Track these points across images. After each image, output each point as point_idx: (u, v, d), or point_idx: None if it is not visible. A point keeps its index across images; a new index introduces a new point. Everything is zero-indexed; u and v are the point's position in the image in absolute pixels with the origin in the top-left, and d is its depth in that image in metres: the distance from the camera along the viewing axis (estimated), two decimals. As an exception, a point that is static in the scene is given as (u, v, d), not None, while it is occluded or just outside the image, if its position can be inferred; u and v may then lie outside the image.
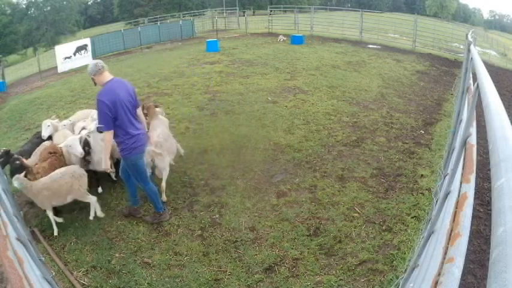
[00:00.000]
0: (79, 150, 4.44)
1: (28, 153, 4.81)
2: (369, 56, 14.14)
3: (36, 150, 4.79)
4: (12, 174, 4.21)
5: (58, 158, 4.58)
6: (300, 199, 4.74)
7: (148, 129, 5.15)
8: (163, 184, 4.76)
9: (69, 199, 4.26)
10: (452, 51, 16.55)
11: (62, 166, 4.45)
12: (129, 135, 3.77)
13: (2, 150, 4.44)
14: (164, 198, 4.73)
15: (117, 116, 3.63)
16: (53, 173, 4.21)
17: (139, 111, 4.01)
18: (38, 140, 5.19)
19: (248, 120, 7.44)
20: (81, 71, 15.62)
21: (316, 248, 3.86)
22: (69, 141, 4.48)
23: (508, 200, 0.70)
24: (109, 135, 3.70)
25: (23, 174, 4.00)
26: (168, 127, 5.46)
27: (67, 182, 4.14)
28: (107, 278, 3.58)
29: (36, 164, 4.43)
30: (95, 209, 4.44)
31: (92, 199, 4.40)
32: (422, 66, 12.99)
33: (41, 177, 4.18)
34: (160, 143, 4.69)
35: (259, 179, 5.29)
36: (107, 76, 3.72)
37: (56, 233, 4.23)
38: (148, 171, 4.69)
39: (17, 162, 4.27)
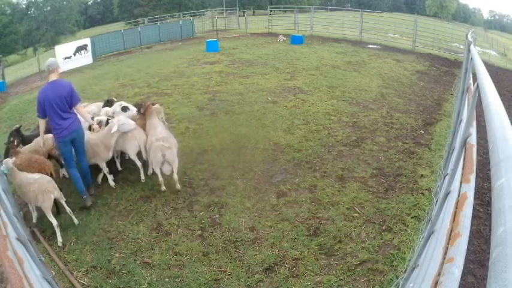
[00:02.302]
0: (132, 123, 5.04)
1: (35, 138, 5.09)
2: (369, 56, 14.14)
3: (37, 138, 4.98)
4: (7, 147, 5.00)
5: (39, 163, 4.58)
6: (300, 199, 4.74)
7: (146, 128, 5.26)
8: (175, 176, 4.88)
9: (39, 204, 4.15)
10: (452, 51, 16.54)
11: (40, 170, 4.45)
12: (55, 126, 4.52)
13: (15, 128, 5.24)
14: (178, 187, 4.93)
15: (45, 110, 4.47)
16: (30, 175, 4.20)
17: (79, 107, 4.70)
18: None
19: (248, 120, 7.44)
20: (81, 71, 15.63)
21: (316, 248, 3.86)
22: (121, 119, 4.97)
23: (508, 200, 0.70)
24: (42, 121, 4.64)
25: (12, 160, 4.24)
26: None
27: (33, 191, 4.04)
28: (107, 278, 3.58)
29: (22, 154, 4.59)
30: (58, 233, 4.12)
31: (53, 222, 4.07)
32: (422, 66, 12.99)
33: (21, 167, 4.36)
34: (165, 137, 4.88)
35: (259, 179, 5.29)
36: (51, 78, 4.56)
37: (34, 220, 4.45)
38: (158, 169, 4.85)
39: (14, 136, 5.08)
